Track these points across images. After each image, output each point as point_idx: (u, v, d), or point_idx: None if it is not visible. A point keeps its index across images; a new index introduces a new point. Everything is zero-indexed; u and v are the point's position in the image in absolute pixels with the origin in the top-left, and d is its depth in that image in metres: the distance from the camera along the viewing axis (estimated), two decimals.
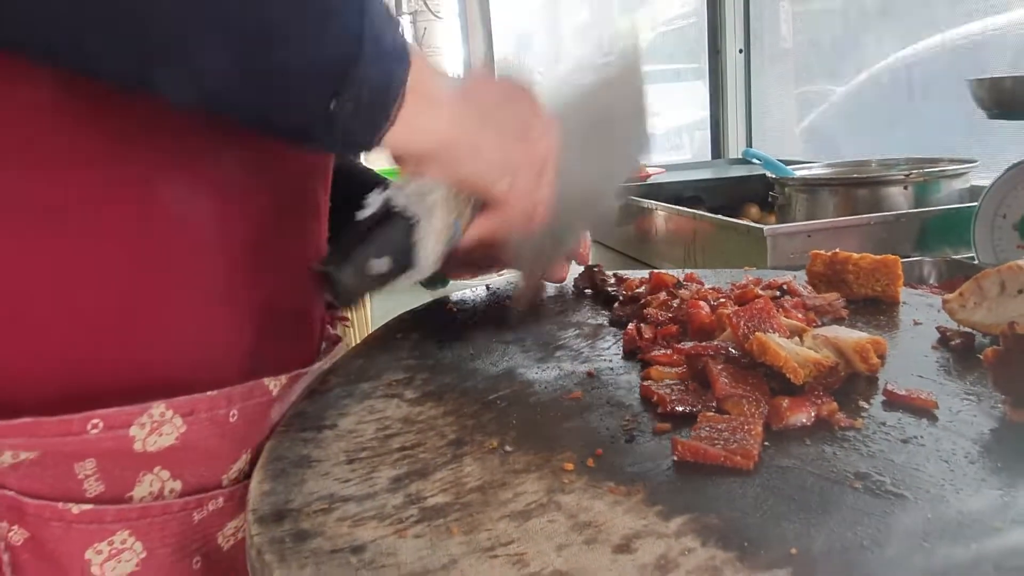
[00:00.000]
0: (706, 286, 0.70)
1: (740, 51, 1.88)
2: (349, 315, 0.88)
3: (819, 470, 0.41)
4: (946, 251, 1.08)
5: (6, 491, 0.44)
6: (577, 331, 0.67)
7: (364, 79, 0.39)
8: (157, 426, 0.46)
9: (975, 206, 1.03)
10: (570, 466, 0.43)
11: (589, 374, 0.56)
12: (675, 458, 0.43)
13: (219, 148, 0.49)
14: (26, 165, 0.43)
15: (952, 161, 1.23)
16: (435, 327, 0.71)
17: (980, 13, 1.38)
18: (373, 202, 0.48)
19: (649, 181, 1.61)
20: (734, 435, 0.43)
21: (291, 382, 0.55)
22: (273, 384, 0.52)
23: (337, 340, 0.67)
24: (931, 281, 1.04)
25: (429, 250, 0.49)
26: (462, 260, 0.66)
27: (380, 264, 0.48)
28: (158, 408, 0.46)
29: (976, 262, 1.02)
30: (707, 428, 0.44)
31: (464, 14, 1.99)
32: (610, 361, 0.59)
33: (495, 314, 0.75)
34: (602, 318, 0.70)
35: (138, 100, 0.42)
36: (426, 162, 0.47)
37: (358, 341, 0.70)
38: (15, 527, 0.43)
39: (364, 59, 0.39)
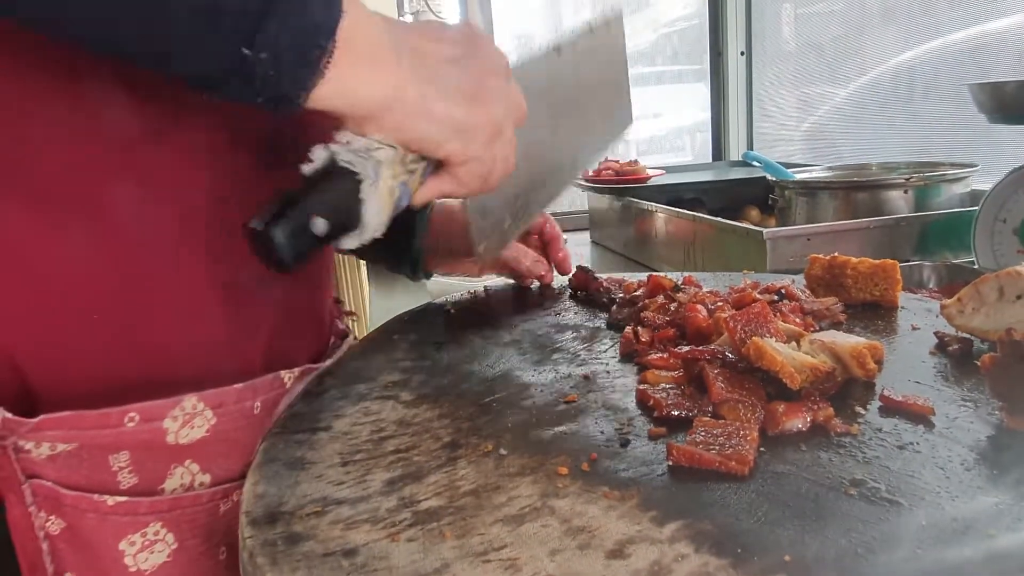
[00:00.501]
0: (704, 290, 0.70)
1: (742, 53, 1.88)
2: (354, 309, 0.89)
3: (814, 476, 0.41)
4: (946, 255, 1.08)
5: (44, 482, 0.45)
6: (574, 334, 0.67)
7: (282, 26, 0.37)
8: (189, 419, 0.47)
9: (975, 210, 1.02)
10: (564, 470, 0.43)
11: (585, 377, 0.56)
12: (670, 463, 0.42)
13: (237, 149, 0.50)
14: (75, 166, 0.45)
15: (953, 165, 1.23)
16: (432, 329, 0.71)
17: (982, 17, 1.38)
18: (317, 157, 0.44)
19: (649, 183, 1.60)
20: (729, 440, 0.43)
21: (303, 375, 0.56)
22: (287, 376, 0.54)
23: (345, 334, 0.68)
24: (931, 285, 1.04)
25: (374, 211, 0.45)
26: (436, 247, 0.69)
27: (320, 224, 0.43)
28: (190, 401, 0.47)
29: (976, 266, 1.02)
30: (702, 433, 0.44)
31: (465, 14, 1.99)
32: (606, 364, 0.59)
33: (492, 316, 0.75)
34: (599, 321, 0.70)
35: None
36: (367, 122, 0.44)
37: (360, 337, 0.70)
38: (53, 517, 0.45)
39: (281, 3, 0.36)
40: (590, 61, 0.65)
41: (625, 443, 0.46)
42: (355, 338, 0.69)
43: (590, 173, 1.66)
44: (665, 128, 2.64)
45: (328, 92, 0.40)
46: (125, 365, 0.48)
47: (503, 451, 0.45)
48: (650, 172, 1.65)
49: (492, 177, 0.51)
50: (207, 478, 0.50)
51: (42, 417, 0.44)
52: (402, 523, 0.38)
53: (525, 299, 0.81)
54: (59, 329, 0.46)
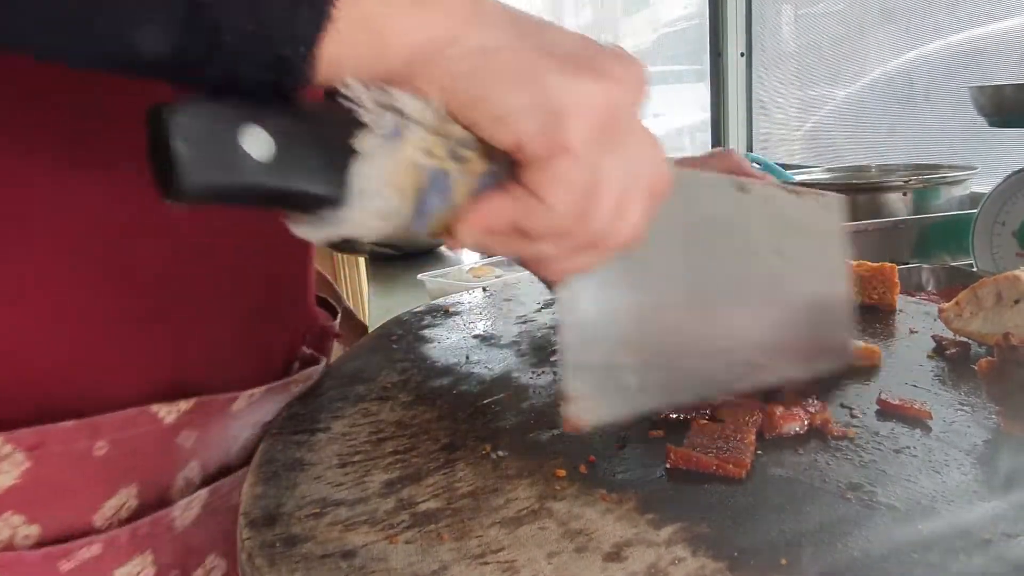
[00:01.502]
0: None
1: (742, 54, 1.87)
2: (354, 309, 0.84)
3: (811, 480, 0.41)
4: (945, 258, 1.08)
5: None
6: None
7: None
8: None
9: (974, 213, 1.02)
10: (562, 472, 0.43)
11: None
12: (667, 465, 0.43)
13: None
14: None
15: (952, 168, 1.23)
16: (431, 329, 0.71)
17: (983, 18, 1.38)
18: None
19: None
20: (727, 443, 0.43)
21: (201, 407, 0.47)
22: (165, 411, 0.45)
23: (315, 360, 0.59)
24: (929, 288, 1.04)
25: (373, 182, 0.29)
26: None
27: (257, 138, 0.27)
28: None
29: (975, 269, 1.02)
30: (700, 436, 0.44)
31: None
32: None
33: (491, 317, 0.75)
34: None
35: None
36: (398, 83, 0.30)
37: (356, 340, 0.70)
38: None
39: None
40: (808, 218, 0.50)
41: (623, 445, 0.46)
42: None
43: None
44: (665, 128, 2.64)
45: (344, 43, 0.28)
46: None
47: (501, 453, 0.46)
48: None
49: (598, 216, 0.32)
50: (34, 531, 0.41)
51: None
52: (400, 525, 0.39)
53: (523, 299, 0.81)
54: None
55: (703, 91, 2.16)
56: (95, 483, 0.43)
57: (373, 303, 1.36)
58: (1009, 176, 0.99)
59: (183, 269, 0.47)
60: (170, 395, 0.46)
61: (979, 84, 0.98)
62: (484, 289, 0.84)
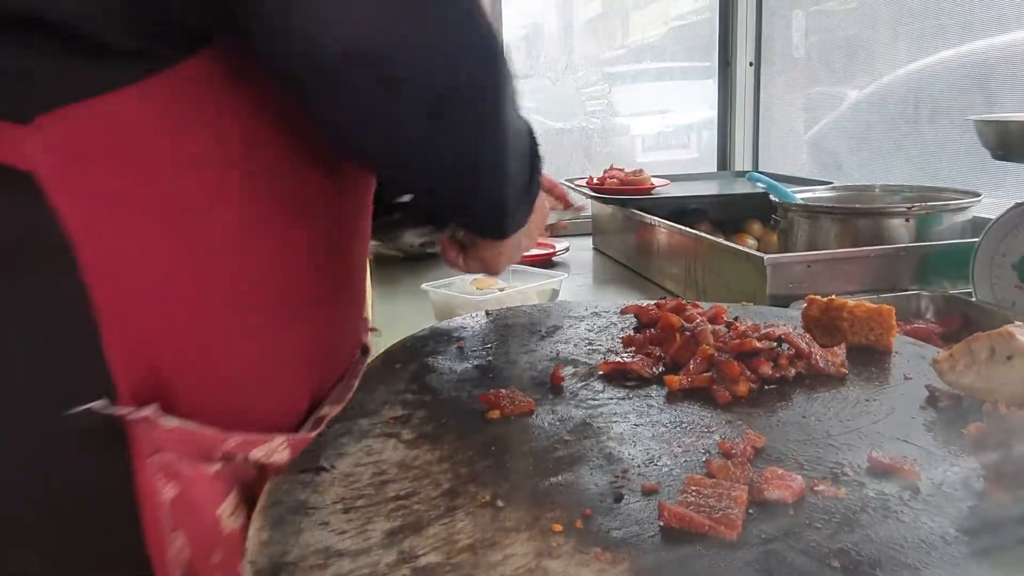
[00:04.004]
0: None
1: (750, 64, 1.87)
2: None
3: (800, 544, 0.42)
4: (945, 285, 1.09)
5: (166, 454, 0.47)
6: (573, 370, 0.68)
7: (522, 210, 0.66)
8: (270, 454, 0.52)
9: (976, 242, 1.03)
10: (559, 527, 0.44)
11: (583, 422, 0.58)
12: (661, 523, 0.44)
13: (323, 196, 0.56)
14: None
15: (956, 192, 1.23)
16: (435, 358, 0.73)
17: (992, 31, 1.38)
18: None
19: (653, 194, 1.61)
20: (719, 502, 0.45)
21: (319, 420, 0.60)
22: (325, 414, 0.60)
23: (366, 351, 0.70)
24: (928, 316, 1.05)
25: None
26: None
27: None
28: (278, 440, 0.52)
29: (974, 299, 1.03)
30: (693, 493, 0.46)
31: None
32: (603, 406, 0.60)
33: (492, 346, 0.76)
34: (596, 355, 0.71)
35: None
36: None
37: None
38: (169, 484, 0.47)
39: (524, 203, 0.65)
40: None
41: (618, 498, 0.47)
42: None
43: (595, 181, 1.67)
44: (672, 125, 2.64)
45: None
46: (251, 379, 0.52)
47: (500, 503, 0.47)
48: (655, 182, 1.66)
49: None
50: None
51: (175, 424, 0.47)
52: None
53: (522, 324, 0.82)
54: (207, 339, 0.49)
55: (711, 87, 2.15)
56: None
57: (377, 309, 1.37)
58: (1012, 208, 1.00)
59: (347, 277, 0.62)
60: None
61: (983, 118, 0.98)
62: (487, 313, 0.85)
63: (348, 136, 0.50)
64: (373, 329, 0.75)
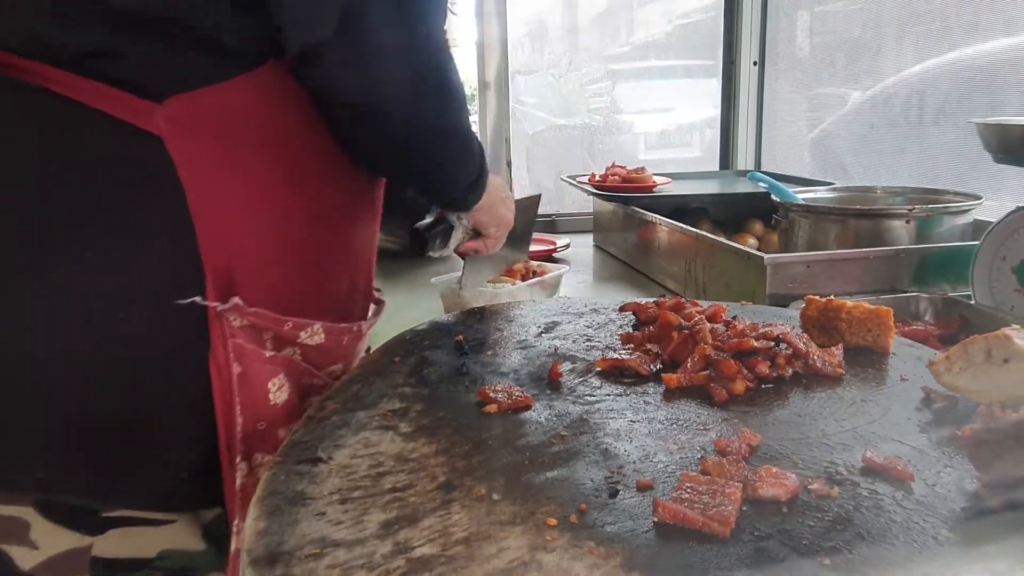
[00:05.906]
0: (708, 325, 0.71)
1: (755, 63, 1.87)
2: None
3: (792, 541, 0.42)
4: (944, 287, 1.09)
5: (237, 340, 0.61)
6: (571, 366, 0.69)
7: (481, 182, 0.81)
8: (312, 334, 0.67)
9: (976, 245, 1.03)
10: (553, 521, 0.44)
11: (579, 417, 0.58)
12: (655, 519, 0.44)
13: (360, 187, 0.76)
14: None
15: (957, 195, 1.23)
16: (433, 352, 0.73)
17: (998, 33, 1.38)
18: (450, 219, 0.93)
19: (654, 192, 1.61)
20: (714, 499, 0.45)
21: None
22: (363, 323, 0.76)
23: (380, 304, 0.86)
24: (926, 317, 1.05)
25: (458, 236, 0.94)
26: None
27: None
28: (317, 325, 0.68)
29: (973, 301, 1.03)
30: (688, 490, 0.46)
31: (480, 2, 1.98)
32: (599, 402, 0.61)
33: (493, 341, 0.76)
34: (594, 351, 0.72)
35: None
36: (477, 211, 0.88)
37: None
38: (236, 363, 0.61)
39: (480, 182, 0.81)
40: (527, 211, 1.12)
41: (613, 494, 0.47)
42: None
43: (597, 178, 1.67)
44: (675, 123, 2.64)
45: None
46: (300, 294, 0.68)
47: (495, 496, 0.47)
48: (656, 180, 1.66)
49: (497, 247, 0.99)
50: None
51: (253, 309, 0.62)
52: (396, 571, 0.40)
53: (522, 319, 0.82)
54: (273, 268, 0.65)
55: (715, 86, 2.15)
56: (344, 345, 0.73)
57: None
58: (1012, 212, 1.00)
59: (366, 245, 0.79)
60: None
61: (985, 120, 0.98)
62: (486, 308, 0.85)
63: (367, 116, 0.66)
64: (378, 290, 0.88)
